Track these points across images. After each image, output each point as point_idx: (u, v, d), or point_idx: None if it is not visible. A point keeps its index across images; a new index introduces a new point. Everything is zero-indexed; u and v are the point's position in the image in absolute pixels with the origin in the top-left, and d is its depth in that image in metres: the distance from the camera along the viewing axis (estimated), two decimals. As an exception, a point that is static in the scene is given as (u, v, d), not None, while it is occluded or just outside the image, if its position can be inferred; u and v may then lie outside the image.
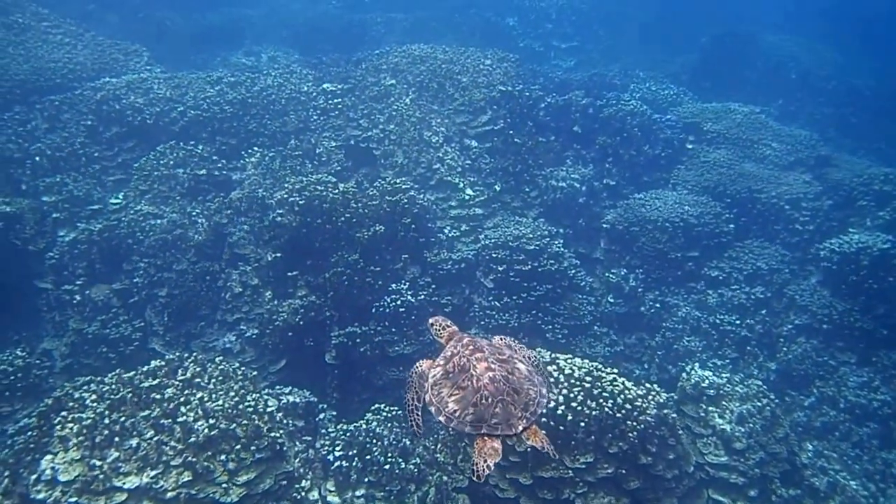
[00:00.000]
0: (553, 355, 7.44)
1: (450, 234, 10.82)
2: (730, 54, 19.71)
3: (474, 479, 3.75)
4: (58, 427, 6.41)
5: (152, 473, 6.15)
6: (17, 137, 11.38)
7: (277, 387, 8.28)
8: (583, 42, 22.41)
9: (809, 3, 26.78)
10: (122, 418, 6.45)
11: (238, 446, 6.53)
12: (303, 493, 6.93)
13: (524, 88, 12.70)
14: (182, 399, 6.73)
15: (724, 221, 11.26)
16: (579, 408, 6.78)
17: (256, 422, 6.79)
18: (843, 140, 17.07)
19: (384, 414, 7.83)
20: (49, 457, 6.20)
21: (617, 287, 10.66)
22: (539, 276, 9.95)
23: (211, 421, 6.56)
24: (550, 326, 9.76)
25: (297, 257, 9.48)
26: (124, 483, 6.05)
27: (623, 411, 6.89)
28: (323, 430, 7.84)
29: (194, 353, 7.71)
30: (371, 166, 11.96)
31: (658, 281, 10.85)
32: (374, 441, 7.42)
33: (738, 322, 10.15)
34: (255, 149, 11.69)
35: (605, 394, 6.96)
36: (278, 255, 9.47)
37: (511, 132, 12.16)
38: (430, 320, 4.80)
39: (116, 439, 6.28)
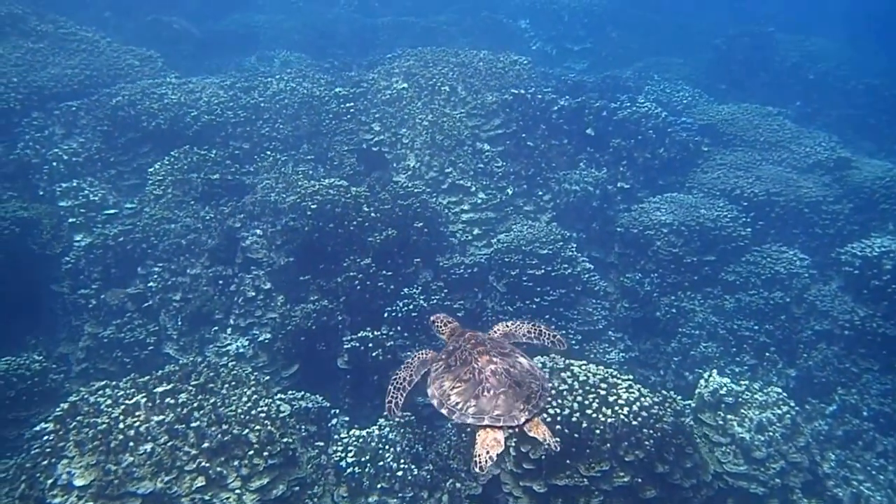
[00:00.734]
0: (567, 361, 7.36)
1: (462, 239, 10.77)
2: (745, 55, 19.50)
3: (476, 470, 3.77)
4: (73, 432, 6.43)
5: (166, 479, 6.15)
6: (34, 143, 11.51)
7: (290, 392, 8.26)
8: (595, 44, 22.26)
9: (827, 3, 26.45)
10: (137, 423, 6.46)
11: (251, 452, 6.52)
12: (315, 500, 6.91)
13: (536, 91, 12.62)
14: (195, 404, 6.73)
15: (740, 225, 11.10)
16: (594, 415, 6.68)
17: (269, 427, 6.77)
18: (862, 142, 16.80)
19: (397, 419, 7.79)
20: (65, 462, 6.22)
21: (632, 292, 10.54)
22: (552, 280, 9.86)
23: (224, 426, 6.55)
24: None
25: (309, 262, 9.47)
26: (138, 488, 6.05)
27: (639, 419, 6.78)
28: (335, 436, 7.81)
29: (208, 358, 7.73)
30: (383, 170, 11.94)
31: (673, 285, 10.71)
32: (387, 447, 7.38)
33: (756, 327, 9.98)
34: (268, 153, 11.73)
35: (620, 401, 6.86)
36: (291, 259, 9.47)
37: (523, 135, 12.09)
38: (432, 317, 4.95)
39: (131, 444, 6.28)
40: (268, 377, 7.89)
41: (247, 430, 6.61)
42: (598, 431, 6.65)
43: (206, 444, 6.37)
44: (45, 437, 6.52)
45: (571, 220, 11.47)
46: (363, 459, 7.23)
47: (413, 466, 7.25)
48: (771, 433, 7.69)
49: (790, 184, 11.99)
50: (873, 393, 9.21)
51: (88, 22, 15.47)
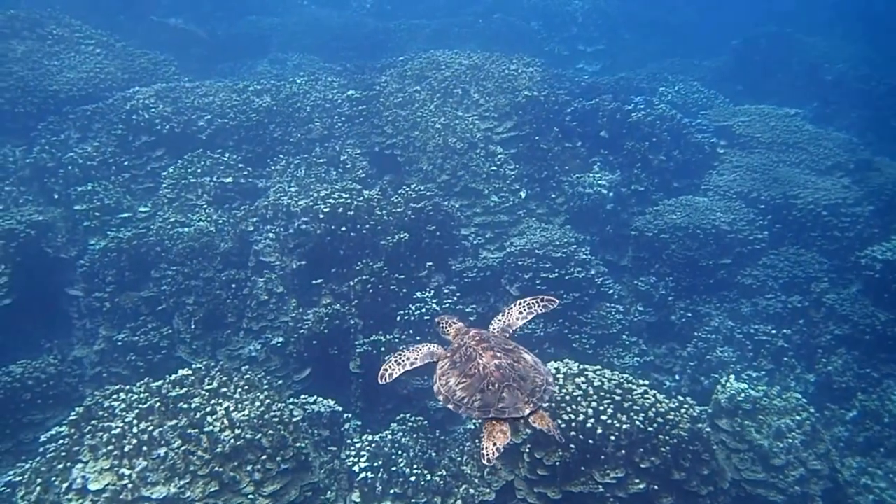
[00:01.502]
0: (581, 367, 7.28)
1: (475, 242, 10.71)
2: (762, 56, 19.28)
3: (483, 462, 3.86)
4: (88, 436, 6.45)
5: (180, 483, 6.14)
6: (50, 147, 11.60)
7: (302, 396, 8.24)
8: (609, 45, 22.11)
9: (846, 3, 26.07)
10: (151, 428, 6.46)
11: (264, 457, 6.50)
12: (328, 505, 6.87)
13: (550, 93, 12.54)
14: (209, 409, 6.72)
15: (757, 228, 10.95)
16: (609, 421, 6.60)
17: (282, 432, 6.75)
18: (882, 143, 16.49)
19: (409, 424, 7.74)
20: (80, 466, 6.24)
21: (646, 295, 10.43)
22: (565, 284, 9.78)
23: (237, 431, 6.54)
24: (577, 336, 9.58)
25: (321, 265, 9.46)
26: (152, 493, 6.05)
27: (655, 425, 6.70)
28: (348, 441, 7.77)
29: (220, 363, 7.73)
30: (395, 173, 11.92)
31: (689, 289, 10.58)
32: (400, 452, 7.33)
33: (773, 332, 9.83)
34: (281, 156, 11.75)
35: (636, 407, 6.78)
36: (303, 263, 9.46)
37: (537, 138, 12.01)
38: (437, 318, 5.01)
39: (145, 449, 6.29)
40: (280, 381, 7.88)
41: (260, 435, 6.60)
42: (613, 438, 6.57)
43: (219, 449, 6.35)
44: (60, 441, 6.54)
45: (585, 223, 11.37)
46: (376, 464, 7.18)
47: (426, 472, 7.20)
48: (790, 440, 7.57)
49: (808, 186, 11.81)
50: (895, 398, 9.03)
51: (103, 25, 15.59)
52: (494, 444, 3.85)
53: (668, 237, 10.74)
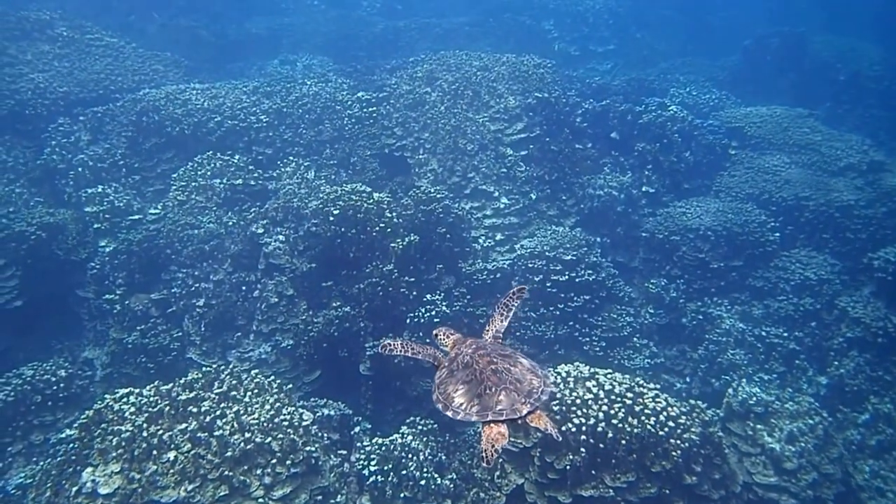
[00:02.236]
0: (592, 370, 7.23)
1: (485, 244, 10.68)
2: (774, 56, 19.09)
3: (484, 464, 3.94)
4: (98, 439, 6.47)
5: (189, 487, 6.15)
6: (61, 148, 11.67)
7: (312, 399, 8.25)
8: (620, 46, 21.99)
9: (859, 3, 25.81)
10: (160, 431, 6.47)
11: (274, 460, 6.50)
12: (338, 509, 6.87)
13: (561, 94, 12.48)
14: (218, 412, 6.73)
15: (769, 230, 10.86)
16: (620, 425, 6.56)
17: (292, 435, 6.75)
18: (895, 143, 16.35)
19: (419, 427, 7.72)
20: (90, 469, 6.25)
21: (657, 297, 10.36)
22: (576, 286, 9.73)
23: (247, 435, 6.54)
24: (588, 338, 9.53)
25: (331, 267, 9.45)
26: (162, 497, 6.06)
27: (666, 429, 6.64)
28: (358, 444, 7.76)
29: (230, 365, 7.73)
30: (405, 175, 11.90)
31: (700, 291, 10.51)
32: (410, 456, 7.31)
33: (785, 334, 9.74)
34: (291, 158, 11.75)
35: (647, 411, 6.72)
36: (313, 265, 9.46)
37: (547, 139, 11.95)
38: (435, 331, 5.03)
39: (154, 452, 6.30)
40: (290, 384, 7.88)
41: (269, 439, 6.60)
42: (624, 442, 6.52)
43: (229, 453, 6.36)
44: (70, 445, 6.57)
45: (595, 224, 11.31)
46: (386, 468, 7.17)
47: (436, 475, 7.18)
48: (802, 443, 7.50)
49: (820, 187, 11.70)
50: (909, 403, 8.93)
51: (113, 26, 15.66)
52: (493, 446, 3.89)
53: (678, 239, 10.67)
